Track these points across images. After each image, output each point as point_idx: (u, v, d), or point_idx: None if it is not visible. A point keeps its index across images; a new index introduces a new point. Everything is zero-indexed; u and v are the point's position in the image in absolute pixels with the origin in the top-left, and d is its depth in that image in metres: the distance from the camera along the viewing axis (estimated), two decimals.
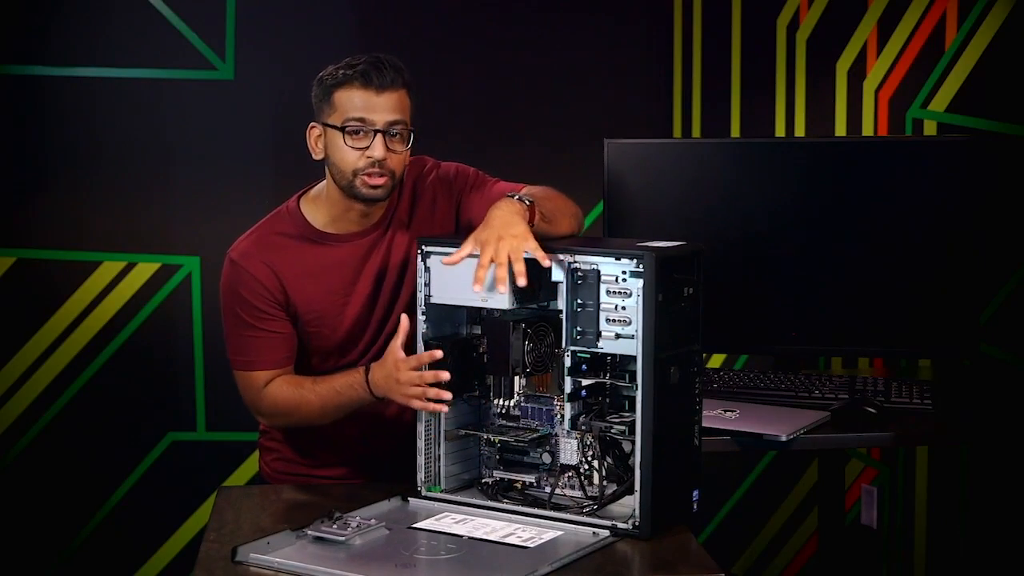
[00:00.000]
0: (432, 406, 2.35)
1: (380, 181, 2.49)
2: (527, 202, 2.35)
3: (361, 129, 2.47)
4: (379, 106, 2.47)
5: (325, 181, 2.58)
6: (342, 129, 2.48)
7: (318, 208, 2.60)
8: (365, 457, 2.69)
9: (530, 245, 2.26)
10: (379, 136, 2.47)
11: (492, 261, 2.25)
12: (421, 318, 2.40)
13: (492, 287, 2.27)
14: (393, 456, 2.62)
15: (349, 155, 2.48)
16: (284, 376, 2.57)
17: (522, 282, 2.24)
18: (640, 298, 2.20)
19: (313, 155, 2.57)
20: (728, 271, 3.13)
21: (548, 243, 2.34)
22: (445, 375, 2.33)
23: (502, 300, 2.31)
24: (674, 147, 3.42)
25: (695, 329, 2.30)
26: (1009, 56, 3.09)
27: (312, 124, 2.55)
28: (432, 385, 2.34)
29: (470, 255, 2.29)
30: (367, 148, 2.47)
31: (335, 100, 2.49)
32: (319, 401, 2.52)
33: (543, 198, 2.44)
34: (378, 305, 2.59)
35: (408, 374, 2.36)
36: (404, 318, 2.42)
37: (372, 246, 2.60)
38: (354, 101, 2.47)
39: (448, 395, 2.34)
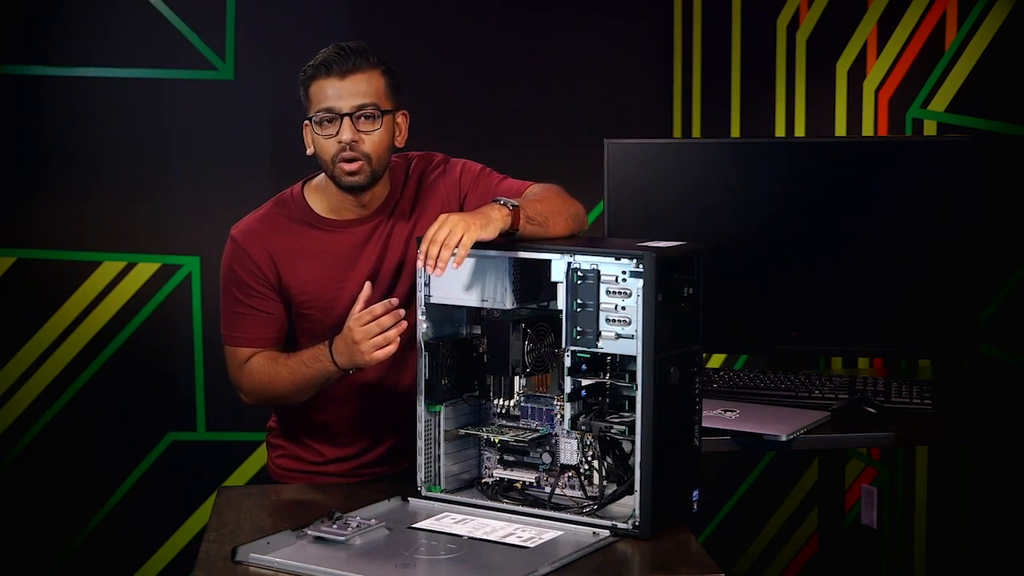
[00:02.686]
0: (392, 349, 2.38)
1: (355, 167, 2.53)
2: (511, 207, 2.36)
3: (330, 117, 2.53)
4: (344, 91, 2.52)
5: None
6: (312, 120, 2.54)
7: (319, 196, 2.65)
8: (369, 454, 2.70)
9: (469, 235, 2.25)
10: (346, 120, 2.52)
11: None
12: (421, 318, 2.40)
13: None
14: (399, 455, 2.63)
15: (324, 144, 2.55)
16: (263, 353, 2.61)
17: (438, 271, 2.26)
18: (640, 298, 2.20)
19: (307, 151, 2.62)
20: (728, 271, 3.13)
21: (548, 243, 2.35)
22: (395, 301, 2.38)
23: (502, 300, 2.32)
24: (674, 147, 3.42)
25: (695, 329, 2.30)
26: (1009, 56, 3.09)
27: (305, 122, 2.60)
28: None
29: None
30: (337, 134, 2.52)
31: (310, 95, 2.56)
32: (289, 374, 2.55)
33: (535, 200, 2.45)
34: (373, 294, 2.60)
35: (362, 329, 2.39)
36: (367, 285, 2.45)
37: (370, 234, 2.63)
38: (324, 91, 2.53)
39: (404, 324, 2.37)
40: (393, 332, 2.38)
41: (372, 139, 2.54)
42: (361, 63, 2.53)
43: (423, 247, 2.28)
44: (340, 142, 2.52)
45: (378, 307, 2.39)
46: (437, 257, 2.26)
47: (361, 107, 2.52)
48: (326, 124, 2.53)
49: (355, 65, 2.52)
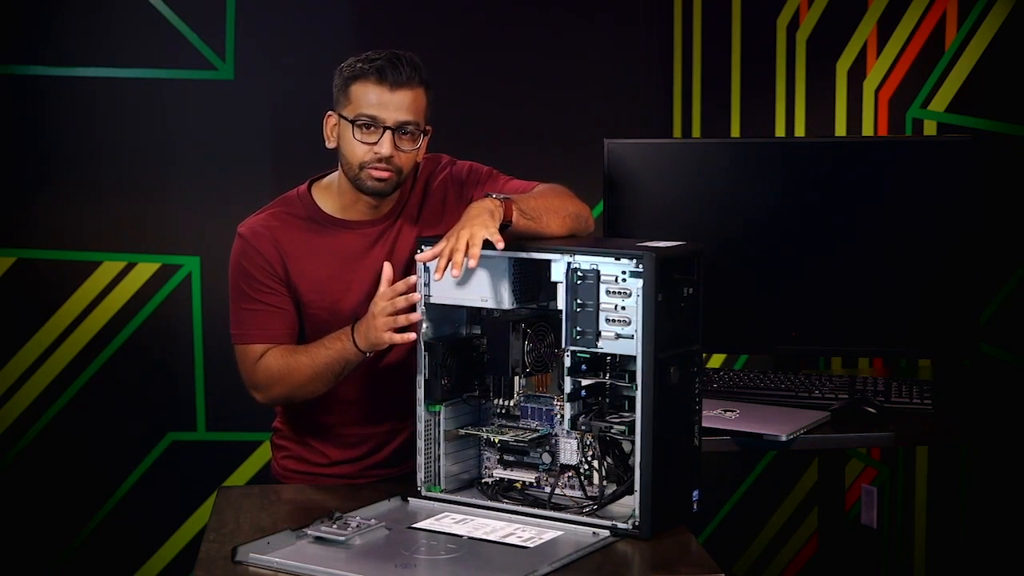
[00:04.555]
0: (400, 338, 2.37)
1: (385, 175, 2.52)
2: (501, 199, 2.36)
3: (371, 124, 2.50)
4: (391, 104, 2.50)
5: (338, 171, 2.62)
6: (353, 122, 2.51)
7: (329, 195, 2.64)
8: (375, 456, 2.70)
9: (488, 231, 2.28)
10: (388, 133, 2.50)
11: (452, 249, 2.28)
12: (421, 318, 2.40)
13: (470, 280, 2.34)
14: (403, 457, 2.63)
15: (358, 148, 2.52)
16: (278, 347, 2.59)
17: (472, 263, 2.26)
18: (640, 298, 2.20)
19: (326, 142, 2.60)
20: (728, 271, 3.13)
21: (548, 243, 2.35)
22: (416, 296, 2.36)
23: (502, 300, 2.32)
24: (674, 147, 3.42)
25: (695, 329, 2.30)
26: (1009, 56, 3.09)
27: (329, 112, 2.58)
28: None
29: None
30: (375, 144, 2.50)
31: (351, 93, 2.52)
32: (309, 360, 2.53)
33: (529, 196, 2.46)
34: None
35: (382, 304, 2.39)
36: (387, 265, 2.44)
37: (379, 236, 2.62)
38: (368, 96, 2.50)
39: (416, 316, 2.36)
40: (402, 319, 2.37)
41: (408, 156, 2.54)
42: (413, 78, 2.51)
43: (438, 263, 2.29)
44: (376, 153, 2.51)
45: (400, 285, 2.39)
46: (450, 259, 2.27)
47: (405, 123, 2.51)
48: (365, 130, 2.51)
49: (408, 79, 2.50)
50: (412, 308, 2.39)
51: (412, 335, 2.37)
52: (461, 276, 2.30)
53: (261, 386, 2.61)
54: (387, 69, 2.49)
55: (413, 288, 2.39)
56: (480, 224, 2.29)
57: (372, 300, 2.45)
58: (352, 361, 2.50)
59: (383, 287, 2.43)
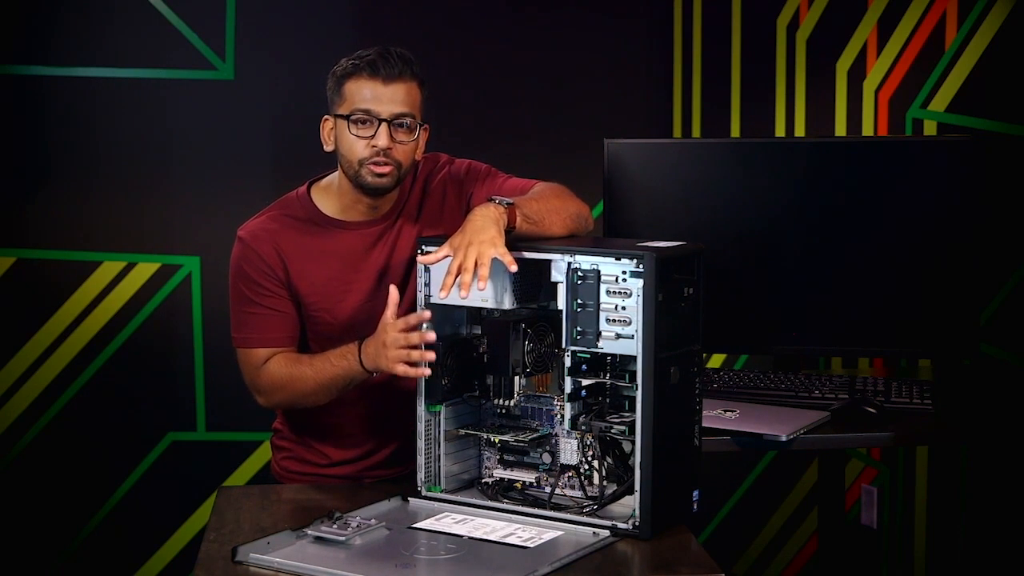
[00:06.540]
0: (413, 371, 2.35)
1: (385, 169, 2.52)
2: (506, 205, 2.36)
3: (367, 119, 2.50)
4: (385, 97, 2.50)
5: (337, 172, 2.61)
6: (348, 118, 2.51)
7: (328, 196, 2.63)
8: (375, 456, 2.70)
9: (498, 251, 2.26)
10: (384, 126, 2.50)
11: (460, 267, 2.26)
12: (435, 358, 2.38)
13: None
14: (404, 458, 2.63)
15: (355, 144, 2.52)
16: (283, 353, 2.59)
17: (481, 286, 2.25)
18: (640, 298, 2.20)
19: (324, 146, 2.60)
20: (728, 271, 3.13)
21: (548, 244, 2.35)
22: (431, 336, 2.34)
23: (502, 300, 2.32)
24: (674, 147, 3.42)
25: (695, 329, 2.30)
26: (1009, 56, 3.09)
27: (325, 116, 2.58)
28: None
29: (445, 256, 2.31)
30: (372, 137, 2.50)
31: (344, 91, 2.53)
32: (313, 373, 2.52)
33: (531, 199, 2.45)
34: (380, 296, 2.59)
35: (395, 335, 2.36)
36: (393, 289, 2.43)
37: (378, 236, 2.62)
38: (362, 92, 2.50)
39: (431, 355, 2.34)
40: (416, 354, 2.34)
41: (405, 149, 2.54)
42: (405, 72, 2.51)
43: (445, 280, 2.27)
44: (374, 147, 2.50)
45: (412, 318, 2.36)
46: (462, 282, 2.26)
47: (400, 116, 2.51)
48: (361, 125, 2.51)
49: (400, 73, 2.50)
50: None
51: (426, 371, 2.36)
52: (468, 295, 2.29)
53: (264, 391, 2.61)
54: (379, 63, 2.50)
55: (425, 319, 2.36)
56: (488, 241, 2.27)
57: (380, 321, 2.41)
58: (357, 379, 2.49)
59: (390, 311, 2.40)
